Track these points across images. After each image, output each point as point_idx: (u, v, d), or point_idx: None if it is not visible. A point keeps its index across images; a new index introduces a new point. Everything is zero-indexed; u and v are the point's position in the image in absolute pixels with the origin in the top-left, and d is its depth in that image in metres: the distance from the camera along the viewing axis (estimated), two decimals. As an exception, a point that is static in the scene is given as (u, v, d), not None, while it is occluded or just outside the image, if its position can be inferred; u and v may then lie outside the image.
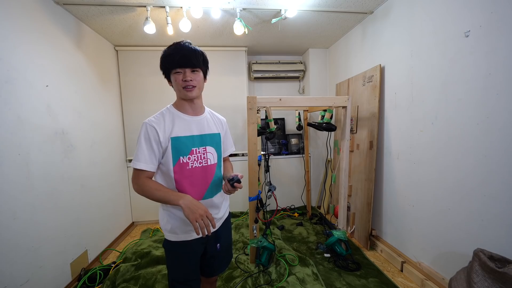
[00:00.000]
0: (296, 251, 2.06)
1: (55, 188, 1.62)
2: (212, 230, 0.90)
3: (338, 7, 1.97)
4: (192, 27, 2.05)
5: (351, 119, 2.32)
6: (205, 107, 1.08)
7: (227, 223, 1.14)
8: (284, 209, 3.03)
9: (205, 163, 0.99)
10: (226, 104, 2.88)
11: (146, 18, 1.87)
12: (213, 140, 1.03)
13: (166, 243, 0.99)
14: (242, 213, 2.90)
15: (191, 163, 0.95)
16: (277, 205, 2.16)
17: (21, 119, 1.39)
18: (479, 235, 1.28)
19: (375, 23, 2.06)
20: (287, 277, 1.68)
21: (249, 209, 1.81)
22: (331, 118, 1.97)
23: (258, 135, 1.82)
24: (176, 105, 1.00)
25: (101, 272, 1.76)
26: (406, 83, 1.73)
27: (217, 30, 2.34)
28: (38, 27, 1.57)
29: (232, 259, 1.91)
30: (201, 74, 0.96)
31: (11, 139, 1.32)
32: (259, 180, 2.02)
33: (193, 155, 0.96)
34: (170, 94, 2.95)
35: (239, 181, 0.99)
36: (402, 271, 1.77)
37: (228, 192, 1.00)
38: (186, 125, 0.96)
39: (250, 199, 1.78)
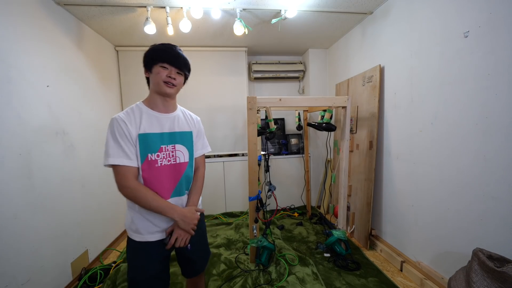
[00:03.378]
0: (296, 250, 2.07)
1: (56, 188, 1.63)
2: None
3: (338, 8, 1.98)
4: (192, 27, 2.05)
5: (351, 119, 2.32)
6: (179, 106, 1.08)
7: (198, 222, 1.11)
8: (284, 209, 3.03)
9: (173, 161, 0.98)
10: (226, 104, 2.88)
11: (147, 19, 1.87)
12: (184, 138, 1.02)
13: (130, 243, 0.98)
14: (242, 213, 2.91)
15: (160, 161, 0.94)
16: (277, 205, 2.16)
17: (22, 119, 1.40)
18: (478, 234, 1.29)
19: (374, 23, 2.06)
20: (287, 277, 1.68)
21: (249, 209, 1.82)
22: (331, 118, 1.98)
23: (258, 135, 1.82)
24: (148, 101, 0.99)
25: (102, 272, 1.77)
26: (405, 83, 1.73)
27: (217, 31, 2.35)
28: (38, 27, 1.57)
29: (232, 259, 1.92)
30: (183, 78, 1.01)
31: (12, 139, 1.33)
32: (259, 180, 2.03)
33: (162, 153, 0.95)
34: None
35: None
36: (401, 270, 1.78)
37: None
38: (155, 122, 0.96)
39: (250, 199, 1.79)
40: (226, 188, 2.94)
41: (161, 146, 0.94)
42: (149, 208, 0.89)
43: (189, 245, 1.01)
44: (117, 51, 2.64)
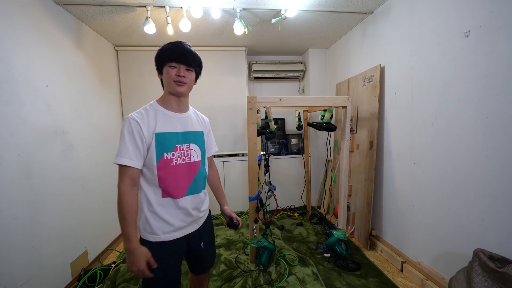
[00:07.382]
0: (296, 251, 2.06)
1: (55, 188, 1.62)
2: (194, 229, 1.04)
3: (338, 7, 1.97)
4: (192, 27, 2.05)
5: (351, 119, 2.32)
6: (190, 106, 1.09)
7: (208, 220, 1.16)
8: (284, 209, 3.03)
9: (188, 160, 0.99)
10: (226, 104, 2.88)
11: (146, 18, 1.87)
12: (197, 137, 1.04)
13: (144, 244, 0.92)
14: (242, 213, 2.90)
15: (175, 160, 0.95)
16: (277, 205, 2.16)
17: (21, 119, 1.39)
18: (479, 235, 1.28)
19: (375, 23, 2.06)
20: (287, 277, 1.68)
21: (249, 209, 1.81)
22: (331, 118, 1.97)
23: (258, 135, 1.82)
24: (162, 101, 0.99)
25: (101, 272, 1.76)
26: (406, 83, 1.73)
27: (217, 30, 2.34)
28: (38, 27, 1.57)
29: (232, 259, 1.92)
30: (194, 74, 0.99)
31: (11, 139, 1.32)
32: (259, 180, 2.02)
33: (177, 152, 0.96)
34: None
35: (235, 227, 1.20)
36: (402, 271, 1.77)
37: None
38: (170, 122, 0.97)
39: (250, 199, 1.79)
40: (226, 188, 2.94)
41: (176, 145, 0.96)
42: (119, 218, 0.90)
43: (202, 243, 1.07)
44: (117, 51, 2.63)
